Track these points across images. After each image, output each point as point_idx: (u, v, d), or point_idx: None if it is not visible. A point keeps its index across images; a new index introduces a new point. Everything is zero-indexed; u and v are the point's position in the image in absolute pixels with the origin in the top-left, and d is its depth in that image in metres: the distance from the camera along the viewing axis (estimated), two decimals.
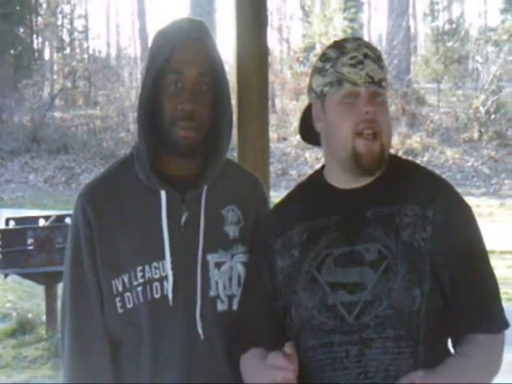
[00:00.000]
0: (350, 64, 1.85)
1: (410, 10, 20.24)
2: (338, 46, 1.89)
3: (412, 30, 20.61)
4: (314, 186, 1.97)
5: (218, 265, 1.95)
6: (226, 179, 2.02)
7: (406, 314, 1.76)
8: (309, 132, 1.98)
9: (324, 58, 1.90)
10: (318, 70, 1.90)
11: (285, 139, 15.95)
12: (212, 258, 1.94)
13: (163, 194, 1.93)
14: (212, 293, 1.93)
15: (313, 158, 14.79)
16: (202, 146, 1.94)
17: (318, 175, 1.98)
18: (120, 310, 1.92)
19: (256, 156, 2.74)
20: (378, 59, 1.88)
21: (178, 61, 1.91)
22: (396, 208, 1.84)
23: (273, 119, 15.51)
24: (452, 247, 1.81)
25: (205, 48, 1.94)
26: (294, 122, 15.50)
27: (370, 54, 1.87)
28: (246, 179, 2.10)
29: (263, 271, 1.92)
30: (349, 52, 1.86)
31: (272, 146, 14.29)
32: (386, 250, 1.80)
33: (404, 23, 18.19)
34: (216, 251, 1.95)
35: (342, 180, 1.90)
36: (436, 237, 1.81)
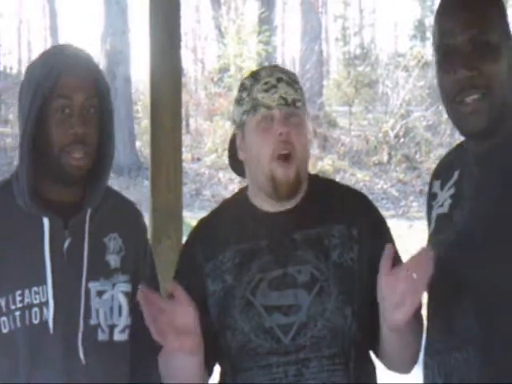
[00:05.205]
0: (263, 89, 1.91)
1: (323, 35, 20.56)
2: (253, 74, 1.97)
3: (324, 54, 20.92)
4: (241, 206, 2.00)
5: (100, 293, 1.94)
6: (108, 206, 2.01)
7: (339, 332, 1.85)
8: (236, 162, 2.03)
9: (241, 87, 1.97)
10: (237, 101, 1.97)
11: (199, 159, 15.92)
12: (94, 287, 1.94)
13: (46, 220, 1.91)
14: (92, 321, 1.92)
15: (226, 179, 14.80)
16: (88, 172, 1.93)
17: (243, 195, 2.02)
18: None
19: (169, 176, 2.75)
20: (292, 82, 1.94)
21: (64, 86, 1.89)
22: (323, 230, 1.91)
23: (187, 139, 15.47)
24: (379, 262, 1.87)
25: (90, 71, 1.94)
26: (208, 143, 15.50)
27: (284, 78, 1.93)
28: (127, 209, 2.10)
29: (194, 286, 1.92)
30: (262, 78, 1.93)
31: (186, 166, 14.24)
32: (318, 272, 1.87)
33: (316, 47, 18.47)
34: (98, 279, 1.94)
35: (266, 203, 1.94)
36: (363, 255, 1.91)
